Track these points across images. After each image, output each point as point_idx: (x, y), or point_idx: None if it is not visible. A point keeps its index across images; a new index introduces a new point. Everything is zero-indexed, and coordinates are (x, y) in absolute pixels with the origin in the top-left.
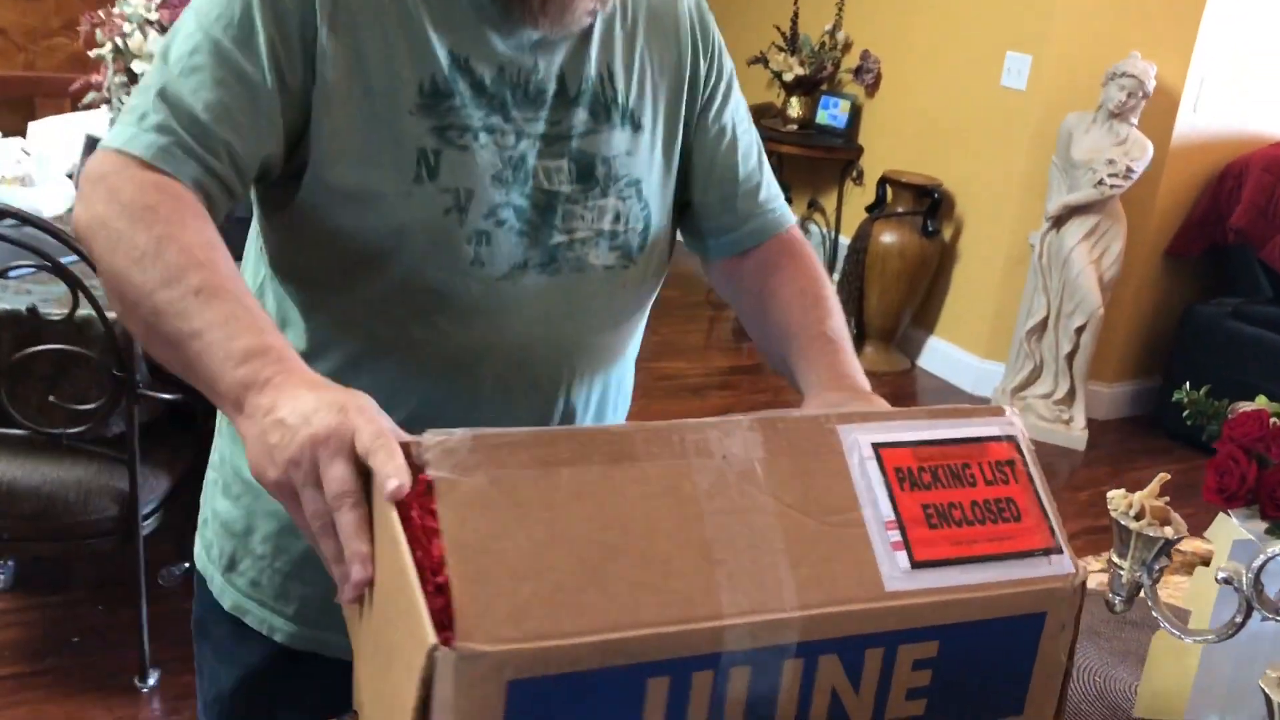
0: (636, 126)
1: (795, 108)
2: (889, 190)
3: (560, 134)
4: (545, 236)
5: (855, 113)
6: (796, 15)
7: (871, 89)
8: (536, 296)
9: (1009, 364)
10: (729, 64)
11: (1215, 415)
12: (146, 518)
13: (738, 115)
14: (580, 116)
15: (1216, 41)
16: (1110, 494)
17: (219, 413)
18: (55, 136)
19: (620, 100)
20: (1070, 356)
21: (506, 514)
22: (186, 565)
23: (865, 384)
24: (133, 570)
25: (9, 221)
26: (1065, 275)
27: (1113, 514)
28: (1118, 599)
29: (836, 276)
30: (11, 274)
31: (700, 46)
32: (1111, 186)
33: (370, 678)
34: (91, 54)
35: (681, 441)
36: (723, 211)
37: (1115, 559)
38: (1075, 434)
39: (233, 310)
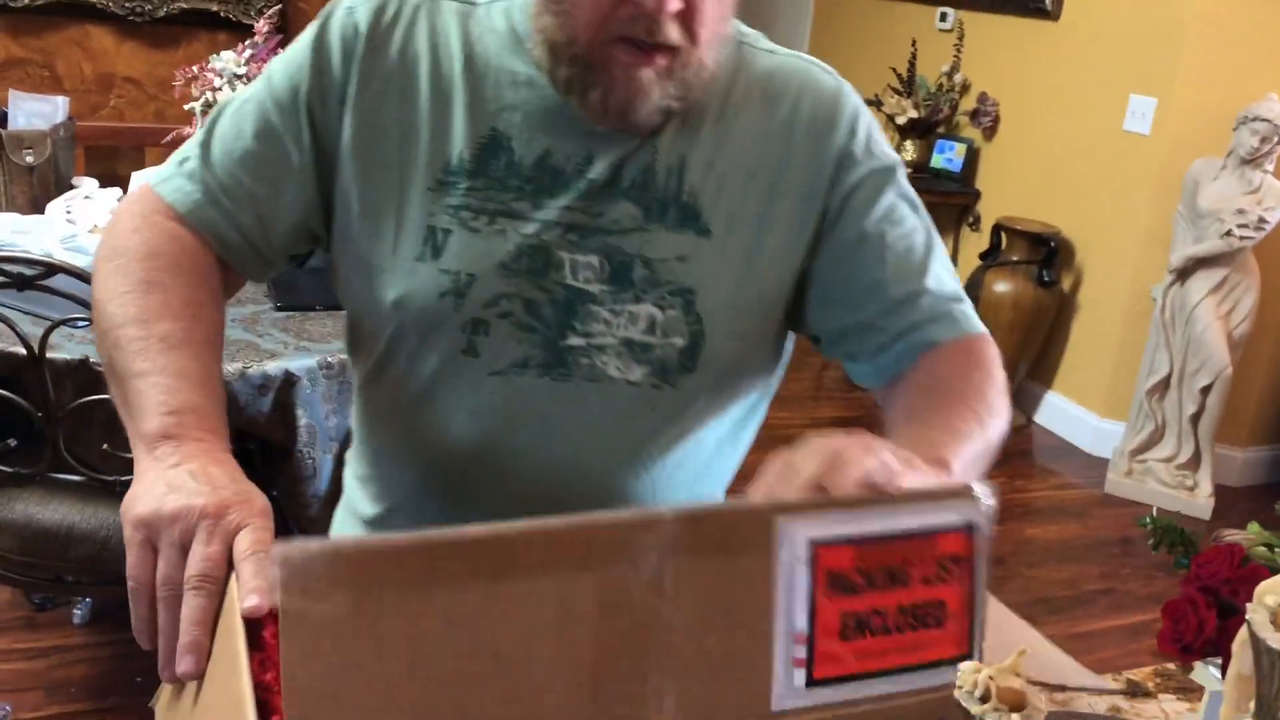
0: (702, 231)
1: (909, 151)
2: (1004, 237)
3: (593, 225)
4: (556, 336)
5: (972, 156)
6: (914, 57)
7: (989, 132)
8: (535, 402)
9: (1129, 424)
10: (879, 162)
11: (1186, 544)
12: None
13: (892, 218)
14: (625, 209)
15: None
16: (961, 667)
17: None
18: None
19: (685, 199)
20: (1195, 418)
21: (361, 646)
22: None
23: (948, 453)
24: None
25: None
26: (1190, 332)
27: (956, 693)
28: None
29: None
30: (74, 325)
31: (832, 147)
32: (1241, 238)
33: None
34: (186, 107)
35: (588, 545)
36: (868, 331)
37: None
38: (1200, 502)
39: (187, 367)
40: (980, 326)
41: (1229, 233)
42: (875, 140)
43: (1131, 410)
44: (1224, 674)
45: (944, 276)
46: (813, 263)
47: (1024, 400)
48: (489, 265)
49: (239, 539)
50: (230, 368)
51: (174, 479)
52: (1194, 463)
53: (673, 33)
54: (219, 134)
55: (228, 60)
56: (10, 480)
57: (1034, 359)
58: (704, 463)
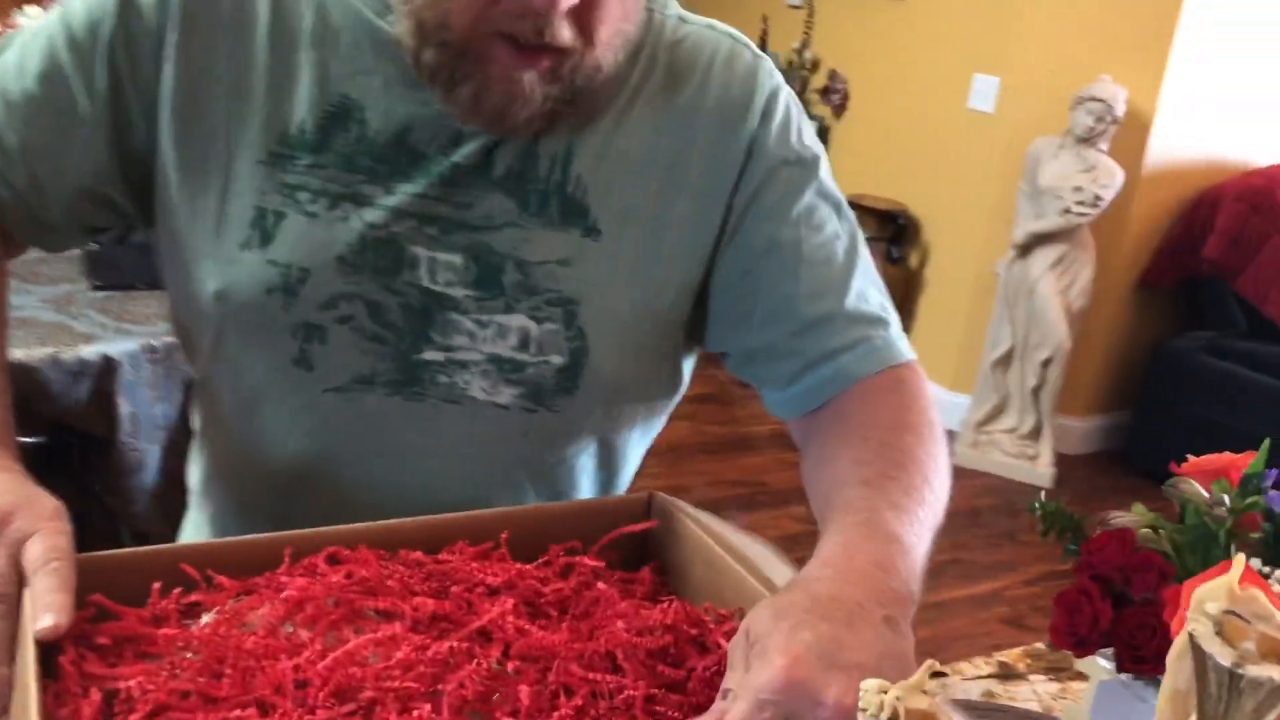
0: (589, 230)
1: None
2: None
3: (457, 218)
4: (409, 349)
5: (822, 134)
6: (766, 34)
7: (839, 110)
8: (383, 425)
9: (974, 396)
10: (796, 154)
11: (1075, 530)
12: None
13: (809, 223)
14: (497, 201)
15: (1189, 66)
16: (863, 685)
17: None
18: None
19: (571, 192)
20: (1036, 390)
21: None
22: None
23: (901, 575)
24: None
25: None
26: (1031, 306)
27: (860, 715)
28: None
29: None
30: None
31: (742, 135)
32: (1079, 215)
33: None
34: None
35: None
36: (777, 357)
37: None
38: (1042, 470)
39: None
40: (908, 352)
41: (1067, 210)
42: (795, 128)
43: (977, 383)
44: (1119, 665)
45: (868, 293)
46: (715, 272)
47: None
48: (327, 258)
49: (28, 549)
50: (38, 353)
51: None
52: (1035, 433)
53: (565, 33)
54: None
55: (33, 13)
56: None
57: None
58: (586, 491)
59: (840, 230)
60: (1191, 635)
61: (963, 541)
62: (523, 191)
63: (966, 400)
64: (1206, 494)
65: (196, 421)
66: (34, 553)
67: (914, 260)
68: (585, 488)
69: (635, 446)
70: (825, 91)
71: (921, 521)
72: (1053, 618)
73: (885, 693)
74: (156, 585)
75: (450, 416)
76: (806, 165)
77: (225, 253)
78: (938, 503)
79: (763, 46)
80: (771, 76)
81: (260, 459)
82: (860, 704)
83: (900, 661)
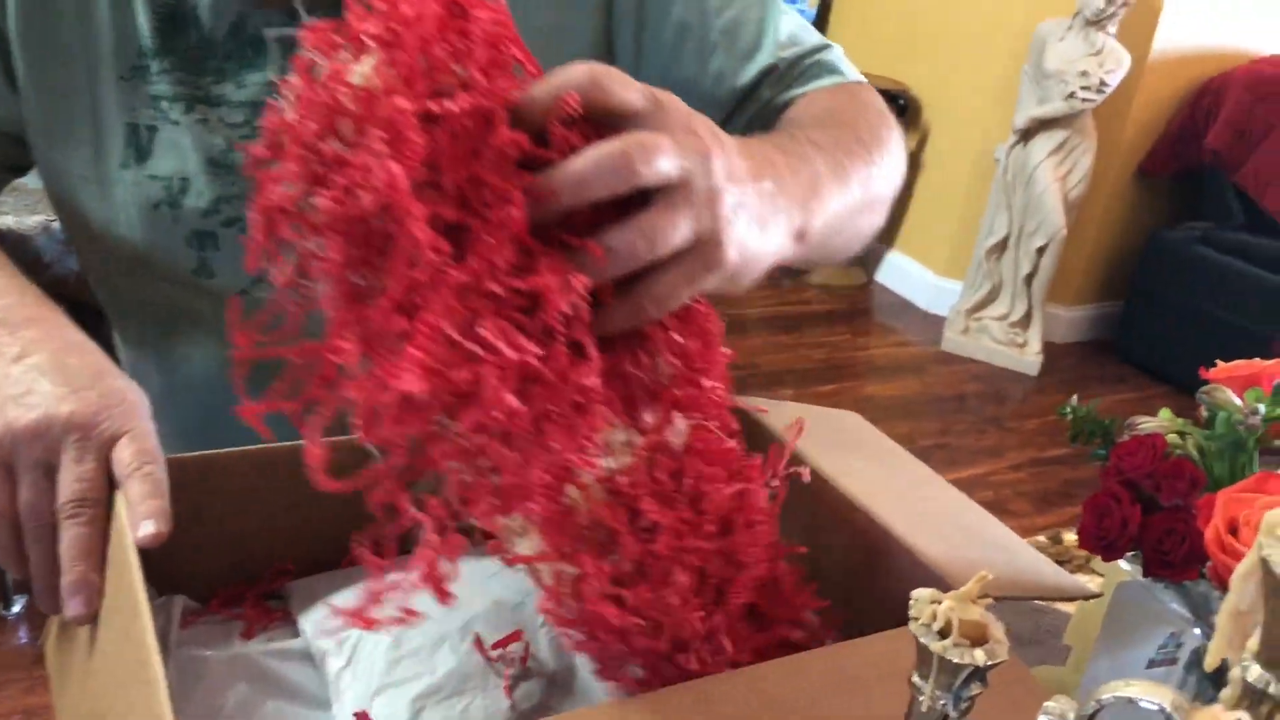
0: None
1: None
2: None
3: None
4: None
5: (825, 7)
6: None
7: None
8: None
9: (966, 283)
10: None
11: (1104, 435)
12: None
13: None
14: None
15: None
16: (914, 595)
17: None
18: None
19: None
20: (1029, 278)
21: None
22: None
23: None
24: None
25: None
26: (1029, 193)
27: (912, 624)
28: None
29: None
30: None
31: None
32: (1083, 100)
33: None
34: None
35: None
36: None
37: (916, 680)
38: (1029, 358)
39: None
40: (859, 75)
41: (1072, 94)
42: None
43: (970, 269)
44: (1145, 569)
45: (800, 34)
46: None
47: (865, 259)
48: (199, 163)
49: (118, 450)
50: (29, 221)
51: (21, 379)
52: (1025, 321)
53: None
54: None
55: None
56: None
57: None
58: None
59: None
60: (1265, 561)
61: (948, 425)
62: None
63: (958, 286)
64: (1240, 402)
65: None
66: (124, 456)
67: (912, 143)
68: None
69: None
70: None
71: (849, 169)
72: (1080, 521)
73: (938, 603)
74: None
75: None
76: None
77: (107, 175)
78: (873, 167)
79: None
80: None
81: (182, 380)
82: (911, 613)
83: (764, 200)
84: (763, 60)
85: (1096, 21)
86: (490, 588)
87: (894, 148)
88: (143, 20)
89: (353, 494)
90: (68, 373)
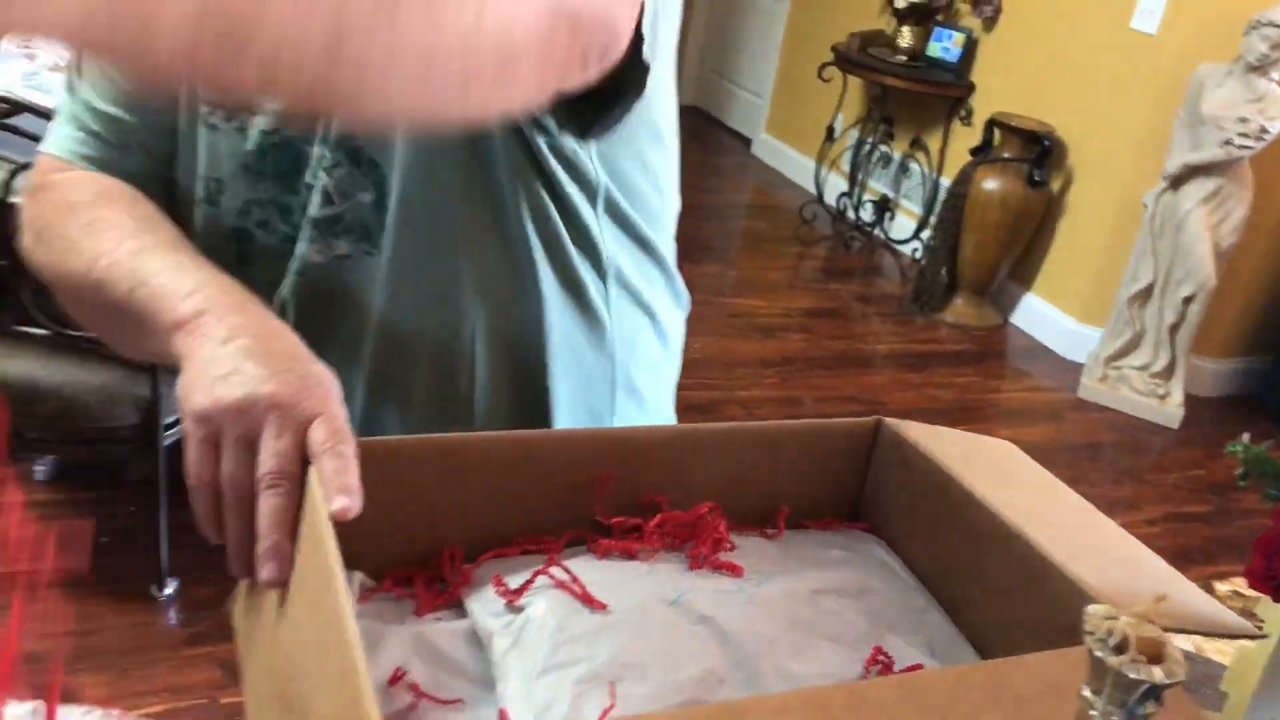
0: None
1: (906, 38)
2: (997, 133)
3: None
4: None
5: (970, 47)
6: None
7: (990, 22)
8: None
9: (1107, 330)
10: None
11: (1276, 476)
12: (169, 428)
13: None
14: None
15: None
16: (1089, 610)
17: None
18: None
19: None
20: (1174, 328)
21: None
22: None
23: None
24: (153, 479)
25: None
26: (1178, 240)
27: (1087, 638)
28: None
29: (933, 220)
30: None
31: None
32: (1240, 147)
33: (262, 701)
34: None
35: None
36: None
37: (1088, 693)
38: (1170, 410)
39: (177, 259)
40: None
41: (1229, 141)
42: None
43: (1111, 316)
44: None
45: None
46: None
47: (1002, 301)
48: (234, 168)
49: (313, 430)
50: None
51: (228, 360)
52: (1168, 372)
53: None
54: (83, 65)
55: None
56: None
57: (1016, 259)
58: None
59: None
60: None
61: (1083, 475)
62: None
63: (1096, 333)
64: None
65: None
66: (319, 435)
67: (1056, 184)
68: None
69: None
70: (976, 3)
71: None
72: (1249, 561)
73: (1113, 619)
74: None
75: (328, 283)
76: None
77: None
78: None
79: None
80: None
81: None
82: (1086, 627)
83: None
84: None
85: (1259, 67)
86: (643, 585)
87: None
88: None
89: (519, 486)
90: (270, 356)
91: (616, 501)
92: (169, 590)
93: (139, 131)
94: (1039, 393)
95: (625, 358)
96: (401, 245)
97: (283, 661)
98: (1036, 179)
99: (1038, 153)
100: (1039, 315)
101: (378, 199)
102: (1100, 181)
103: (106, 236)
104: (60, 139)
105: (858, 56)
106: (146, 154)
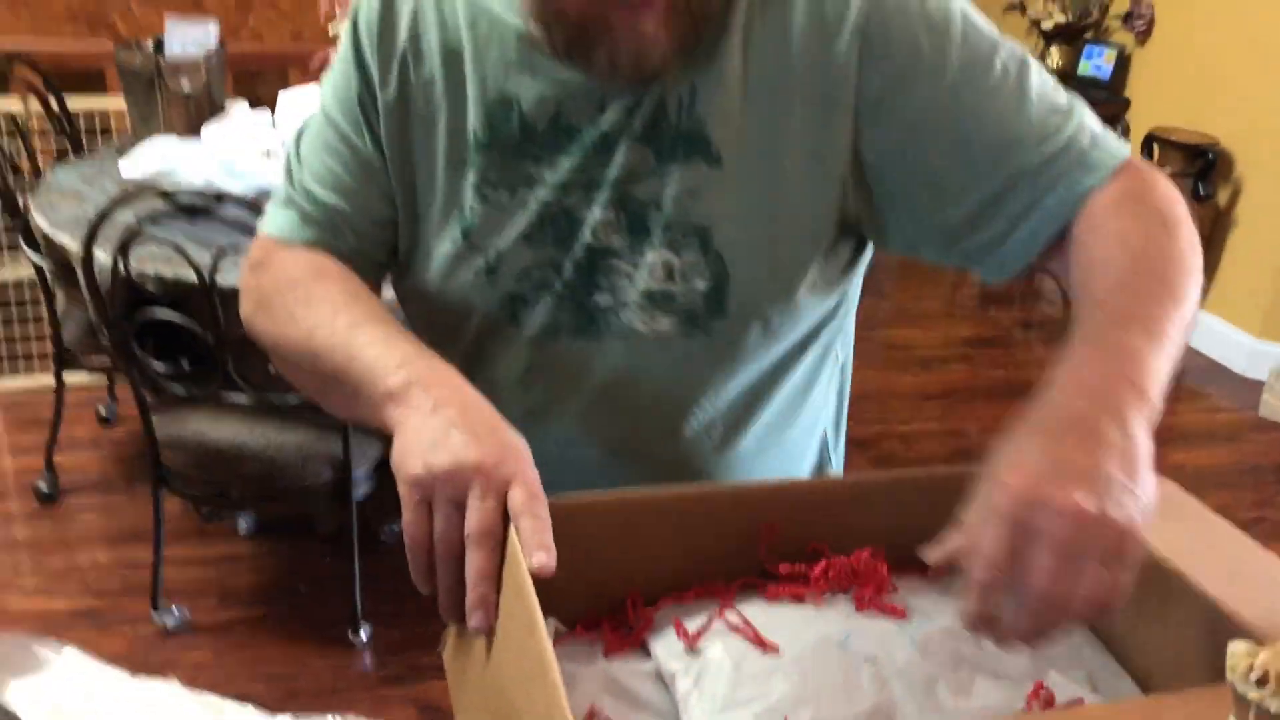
0: (712, 160)
1: (1055, 58)
2: (1156, 149)
3: (610, 178)
4: (584, 297)
5: (1122, 63)
6: None
7: (1142, 36)
8: (575, 364)
9: None
10: (921, 21)
11: None
12: (359, 483)
13: (968, 76)
14: (637, 153)
15: None
16: (1231, 646)
17: None
18: (300, 108)
19: (691, 126)
20: None
21: None
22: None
23: (1144, 371)
24: (347, 531)
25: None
26: None
27: (1229, 674)
28: None
29: None
30: (240, 251)
31: (844, 27)
32: None
33: None
34: (329, 27)
35: None
36: (976, 228)
37: None
38: None
39: (386, 332)
40: (1121, 149)
41: None
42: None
43: None
44: None
45: (1049, 119)
46: (872, 168)
47: None
48: (515, 239)
49: (512, 493)
50: None
51: (437, 431)
52: None
53: None
54: (303, 154)
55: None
56: (183, 400)
57: None
58: (784, 408)
59: (998, 62)
60: None
61: (1269, 497)
62: (657, 139)
63: (1276, 349)
64: None
65: None
66: (518, 497)
67: (1223, 198)
68: (783, 408)
69: (822, 372)
70: (1127, 17)
71: (1163, 322)
72: None
73: (1256, 656)
74: None
75: (626, 352)
76: (938, 27)
77: (432, 249)
78: (1185, 302)
79: None
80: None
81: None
82: (1229, 664)
83: (1127, 463)
84: (1021, 157)
85: None
86: (812, 627)
87: (1190, 251)
88: (473, 118)
89: (692, 536)
90: (473, 425)
91: (783, 549)
92: (364, 635)
93: (352, 218)
94: (1217, 413)
95: (820, 403)
96: (737, 332)
97: (493, 698)
98: (1202, 193)
99: (1201, 166)
100: (1213, 333)
101: (714, 289)
102: (1270, 190)
103: (321, 309)
104: (279, 221)
105: None
106: (358, 237)
